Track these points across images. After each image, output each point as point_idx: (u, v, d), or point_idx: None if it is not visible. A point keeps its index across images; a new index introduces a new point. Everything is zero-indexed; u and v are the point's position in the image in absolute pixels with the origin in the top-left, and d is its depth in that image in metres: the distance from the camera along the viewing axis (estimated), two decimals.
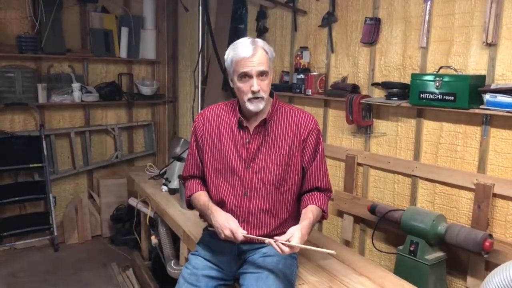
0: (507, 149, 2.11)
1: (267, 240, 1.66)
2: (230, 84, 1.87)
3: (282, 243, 1.60)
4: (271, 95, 1.88)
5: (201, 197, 1.93)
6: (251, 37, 1.81)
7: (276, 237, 1.64)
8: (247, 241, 1.81)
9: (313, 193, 1.88)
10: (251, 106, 1.78)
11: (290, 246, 1.60)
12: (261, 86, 1.75)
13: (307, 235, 1.70)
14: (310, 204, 1.84)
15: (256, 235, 1.79)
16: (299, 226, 1.69)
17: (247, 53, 1.72)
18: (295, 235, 1.62)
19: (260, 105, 1.78)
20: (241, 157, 1.84)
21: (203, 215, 1.94)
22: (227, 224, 1.72)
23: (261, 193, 1.83)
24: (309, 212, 1.79)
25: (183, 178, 2.09)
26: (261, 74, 1.75)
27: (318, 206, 1.84)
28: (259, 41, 1.79)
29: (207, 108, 2.00)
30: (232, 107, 1.92)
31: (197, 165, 1.98)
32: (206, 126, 1.93)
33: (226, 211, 1.84)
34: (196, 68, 3.62)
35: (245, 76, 1.75)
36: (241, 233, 1.70)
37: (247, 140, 1.85)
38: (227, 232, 1.71)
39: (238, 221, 1.79)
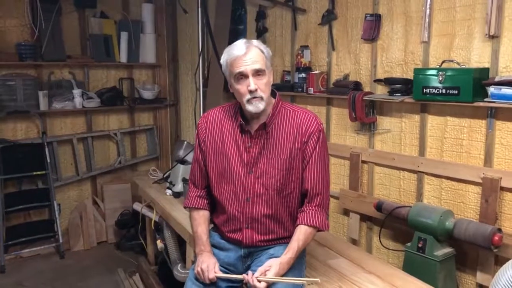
0: None
1: (243, 276, 1.68)
2: (230, 89, 1.83)
3: (259, 279, 1.63)
4: (273, 95, 1.84)
5: (196, 222, 1.94)
6: (245, 39, 1.80)
7: (249, 272, 1.67)
8: (252, 244, 1.82)
9: (305, 209, 1.79)
10: (250, 107, 1.73)
11: (267, 281, 1.63)
12: (258, 85, 1.71)
13: (288, 266, 1.71)
14: (302, 224, 1.77)
15: (261, 240, 1.81)
16: (279, 259, 1.69)
17: (240, 51, 1.70)
18: (272, 268, 1.65)
19: (260, 105, 1.73)
20: (243, 162, 1.81)
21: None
22: (202, 264, 1.78)
23: (264, 199, 1.80)
24: (295, 242, 1.74)
25: (189, 180, 2.08)
26: (257, 72, 1.71)
27: (311, 225, 1.77)
28: (254, 41, 1.77)
29: (210, 110, 1.97)
30: (234, 110, 1.89)
31: (201, 169, 1.96)
32: (209, 129, 1.91)
33: (229, 217, 1.84)
34: (196, 70, 3.61)
35: (241, 76, 1.71)
36: (212, 273, 1.74)
37: (249, 144, 1.81)
38: (198, 269, 1.76)
39: (243, 227, 1.80)
